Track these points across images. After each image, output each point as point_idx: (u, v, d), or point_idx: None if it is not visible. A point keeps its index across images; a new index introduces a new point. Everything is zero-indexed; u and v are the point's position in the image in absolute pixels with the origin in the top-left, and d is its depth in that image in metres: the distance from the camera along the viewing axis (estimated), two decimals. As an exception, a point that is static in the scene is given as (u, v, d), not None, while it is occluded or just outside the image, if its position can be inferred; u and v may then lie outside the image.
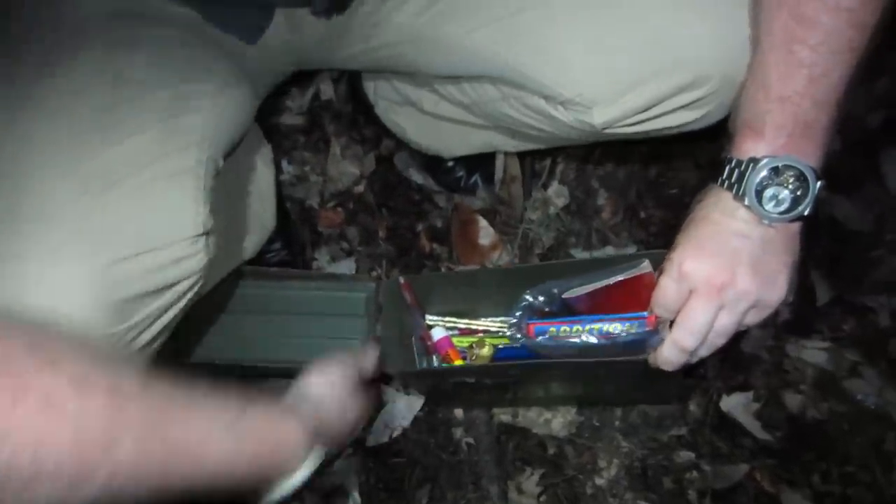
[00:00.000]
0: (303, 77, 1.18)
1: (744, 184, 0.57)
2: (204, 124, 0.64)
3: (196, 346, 0.87)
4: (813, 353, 0.98)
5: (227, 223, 0.73)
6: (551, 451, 0.93)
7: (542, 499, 0.90)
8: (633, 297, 0.70)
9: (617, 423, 0.94)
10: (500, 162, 1.12)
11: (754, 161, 0.57)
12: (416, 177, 1.15)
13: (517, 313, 0.78)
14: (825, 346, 0.98)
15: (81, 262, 0.53)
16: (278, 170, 1.11)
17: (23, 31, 0.64)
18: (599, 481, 0.90)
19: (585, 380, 0.86)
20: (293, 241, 1.06)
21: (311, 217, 1.12)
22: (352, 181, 1.15)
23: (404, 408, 0.96)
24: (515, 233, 1.09)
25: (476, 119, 0.91)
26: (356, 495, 0.91)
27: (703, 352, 0.62)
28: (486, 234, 1.08)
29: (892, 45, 1.13)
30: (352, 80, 1.15)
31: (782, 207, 0.57)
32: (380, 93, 1.08)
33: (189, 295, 0.61)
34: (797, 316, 1.01)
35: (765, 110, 0.56)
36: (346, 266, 1.07)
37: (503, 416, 0.95)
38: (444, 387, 0.88)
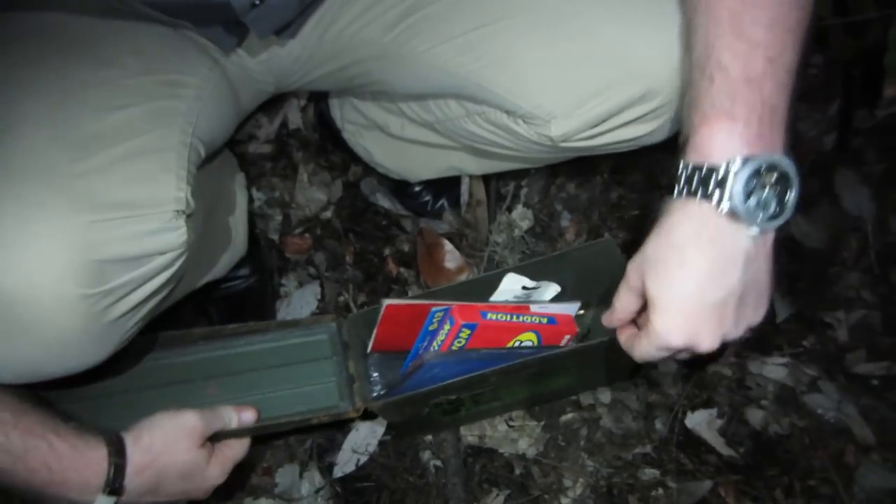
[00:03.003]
0: (270, 106, 1.19)
1: (726, 191, 0.50)
2: (187, 111, 0.68)
3: None
4: (773, 368, 1.00)
5: (204, 229, 0.75)
6: (518, 471, 0.93)
7: (508, 520, 0.90)
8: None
9: (582, 441, 0.95)
10: (465, 186, 1.14)
11: (732, 162, 0.49)
12: (383, 201, 1.17)
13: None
14: (785, 361, 1.00)
15: (63, 218, 0.56)
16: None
17: (15, 22, 0.67)
18: (565, 501, 0.90)
19: (549, 372, 0.88)
20: (261, 267, 1.07)
21: (279, 243, 1.13)
22: (319, 207, 1.16)
23: (368, 433, 0.95)
24: (481, 256, 1.10)
25: (441, 139, 0.93)
26: (324, 522, 0.91)
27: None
28: (451, 257, 1.09)
29: (845, 67, 1.18)
30: (319, 106, 1.17)
31: (770, 212, 0.51)
32: (347, 117, 1.10)
33: (168, 273, 0.63)
34: (758, 333, 1.02)
35: (731, 91, 0.50)
36: (312, 290, 1.07)
37: (470, 437, 0.96)
38: (420, 412, 0.87)
